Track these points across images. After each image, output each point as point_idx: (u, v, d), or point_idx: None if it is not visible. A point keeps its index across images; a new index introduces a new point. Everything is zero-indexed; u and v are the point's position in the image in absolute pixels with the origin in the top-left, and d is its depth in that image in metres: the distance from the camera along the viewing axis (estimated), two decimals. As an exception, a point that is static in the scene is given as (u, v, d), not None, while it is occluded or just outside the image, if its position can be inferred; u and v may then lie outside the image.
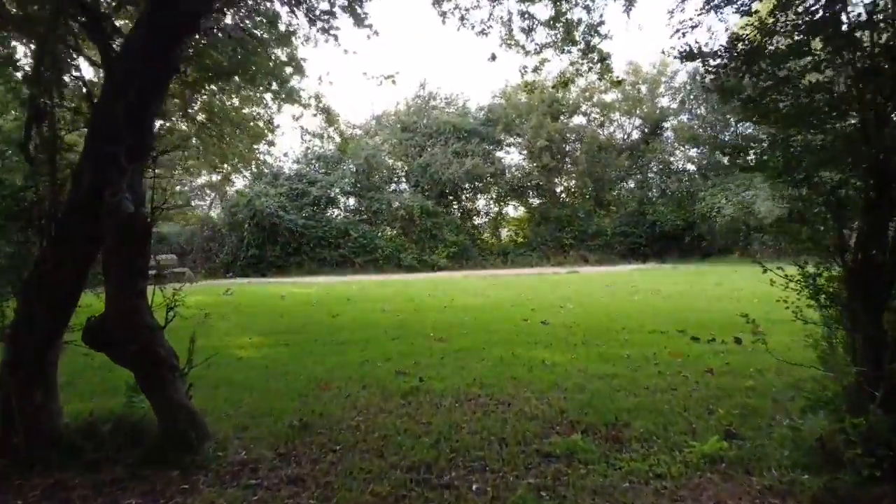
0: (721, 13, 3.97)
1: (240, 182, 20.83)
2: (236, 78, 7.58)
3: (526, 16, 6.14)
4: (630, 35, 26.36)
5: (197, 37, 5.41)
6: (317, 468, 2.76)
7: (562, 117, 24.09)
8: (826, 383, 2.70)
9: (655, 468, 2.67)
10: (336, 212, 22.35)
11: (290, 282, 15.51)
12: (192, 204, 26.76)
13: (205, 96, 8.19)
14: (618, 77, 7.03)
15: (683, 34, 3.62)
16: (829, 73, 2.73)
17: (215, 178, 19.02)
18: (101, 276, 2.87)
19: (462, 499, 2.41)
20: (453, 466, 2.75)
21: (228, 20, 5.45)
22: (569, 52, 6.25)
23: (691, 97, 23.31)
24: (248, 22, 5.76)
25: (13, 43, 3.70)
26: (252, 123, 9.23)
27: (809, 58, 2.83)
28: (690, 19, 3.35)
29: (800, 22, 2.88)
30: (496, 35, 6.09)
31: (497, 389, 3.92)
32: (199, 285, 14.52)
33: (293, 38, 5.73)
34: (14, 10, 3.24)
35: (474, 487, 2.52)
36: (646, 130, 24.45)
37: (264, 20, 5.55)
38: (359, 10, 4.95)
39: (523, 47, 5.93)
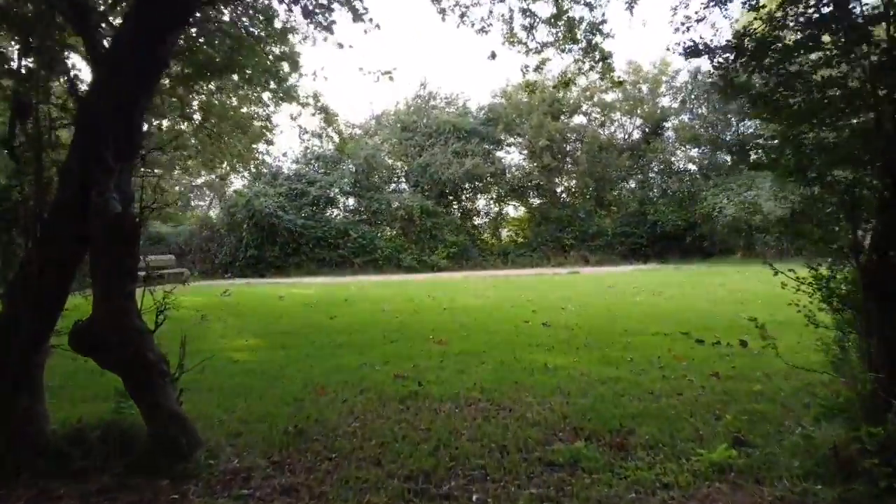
0: (726, 8, 3.88)
1: (238, 182, 20.80)
2: (234, 77, 7.53)
3: (527, 13, 6.05)
4: (631, 34, 26.21)
5: (193, 32, 5.36)
6: (311, 477, 2.66)
7: (562, 117, 23.99)
8: (839, 389, 2.61)
9: (662, 477, 2.57)
10: (335, 212, 22.25)
11: (289, 282, 15.42)
12: (192, 204, 26.72)
13: (202, 95, 8.12)
14: (619, 77, 6.95)
15: (688, 28, 3.55)
16: (843, 67, 2.63)
17: (214, 178, 18.97)
18: (89, 277, 2.79)
19: (462, 510, 2.32)
20: (453, 475, 2.66)
21: (226, 18, 5.38)
22: (570, 50, 6.17)
23: (692, 97, 23.19)
24: (244, 19, 5.68)
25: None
26: (251, 123, 9.17)
27: (821, 53, 2.74)
28: (696, 13, 3.27)
29: (810, 15, 2.79)
30: (497, 33, 6.02)
31: (498, 394, 3.83)
32: (198, 285, 14.44)
33: (290, 36, 5.66)
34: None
35: (474, 498, 2.43)
36: (647, 130, 24.35)
37: (260, 17, 5.48)
38: (356, 4, 4.86)
39: (525, 45, 5.84)
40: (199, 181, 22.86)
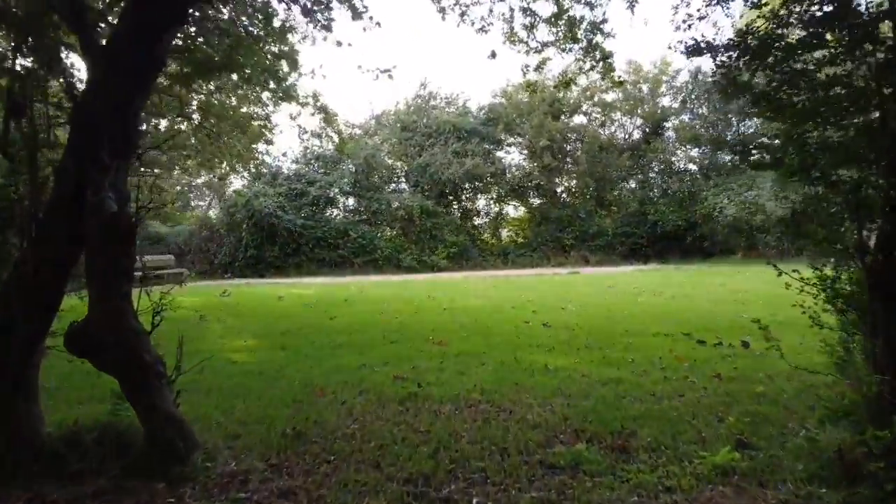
0: (728, 7, 3.85)
1: (238, 182, 20.77)
2: (234, 77, 7.50)
3: (528, 12, 6.02)
4: (631, 34, 26.22)
5: (193, 32, 5.32)
6: (309, 480, 2.63)
7: (563, 117, 23.96)
8: (844, 392, 2.58)
9: (665, 480, 2.54)
10: (335, 212, 22.20)
11: (289, 283, 15.39)
12: (192, 204, 26.69)
13: (202, 95, 8.09)
14: (620, 77, 6.92)
15: (689, 26, 3.52)
16: (848, 65, 2.60)
17: (213, 178, 18.95)
18: (84, 278, 2.76)
19: (462, 515, 2.29)
20: (453, 479, 2.62)
21: (225, 16, 5.34)
22: (571, 50, 6.14)
23: (693, 97, 23.18)
24: (243, 18, 5.65)
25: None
26: (250, 123, 9.13)
27: (825, 51, 2.71)
28: (698, 10, 3.23)
29: (813, 13, 2.76)
30: (497, 32, 6.00)
31: (498, 395, 3.79)
32: (197, 286, 14.41)
33: (289, 35, 5.62)
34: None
35: (475, 502, 2.40)
36: (647, 130, 24.30)
37: (259, 16, 5.44)
38: (356, 3, 4.83)
39: (526, 44, 5.81)
40: (199, 181, 22.81)
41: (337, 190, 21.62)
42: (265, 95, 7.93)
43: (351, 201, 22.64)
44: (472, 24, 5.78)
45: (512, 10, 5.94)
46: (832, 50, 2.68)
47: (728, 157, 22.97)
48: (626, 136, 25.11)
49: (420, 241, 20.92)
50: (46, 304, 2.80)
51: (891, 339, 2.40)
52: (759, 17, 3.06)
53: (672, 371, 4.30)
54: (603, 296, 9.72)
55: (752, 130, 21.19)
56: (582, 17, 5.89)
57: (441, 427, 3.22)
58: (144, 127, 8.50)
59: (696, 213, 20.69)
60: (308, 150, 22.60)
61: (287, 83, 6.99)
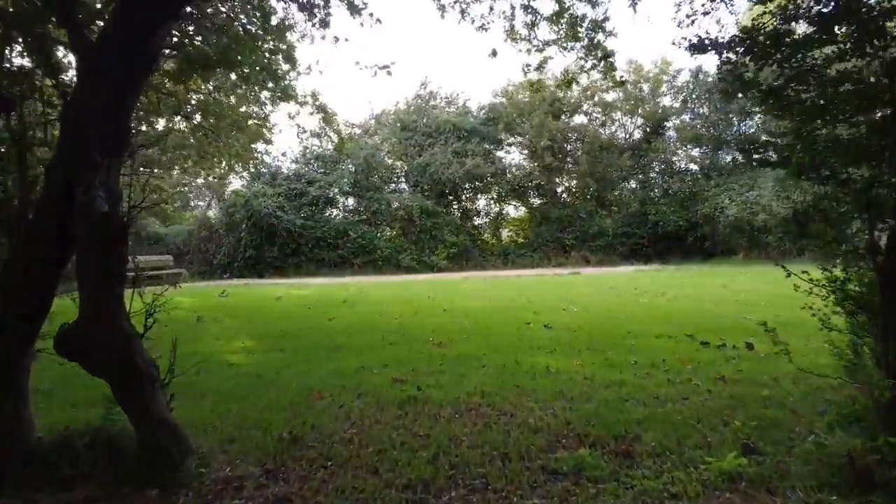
0: (732, 3, 3.79)
1: (237, 182, 20.70)
2: (233, 76, 7.43)
3: (529, 10, 5.96)
4: (631, 34, 26.16)
5: (190, 30, 5.26)
6: (306, 486, 2.57)
7: (563, 116, 23.88)
8: (854, 396, 2.51)
9: (670, 487, 2.48)
10: (335, 212, 22.12)
11: (288, 283, 15.32)
12: (192, 204, 26.62)
13: (200, 95, 8.03)
14: (622, 76, 6.86)
15: (693, 22, 3.45)
16: (858, 62, 2.54)
17: (212, 178, 18.86)
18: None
19: (462, 523, 2.22)
20: (453, 485, 2.56)
21: (223, 14, 5.28)
22: (572, 49, 6.09)
23: (693, 96, 23.11)
24: (242, 17, 5.59)
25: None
26: (249, 122, 9.07)
27: (834, 47, 2.65)
28: (703, 5, 3.17)
29: (819, 10, 2.70)
30: (497, 31, 5.96)
31: (499, 399, 3.72)
32: (195, 286, 14.34)
33: (287, 34, 5.56)
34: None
35: (475, 509, 2.34)
36: (648, 130, 24.21)
37: (257, 14, 5.38)
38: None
39: (528, 41, 5.75)
40: (199, 181, 22.72)
41: (336, 190, 21.53)
42: (264, 95, 7.88)
43: (350, 201, 22.57)
44: (473, 21, 5.72)
45: (513, 7, 5.89)
46: (841, 46, 2.62)
47: (729, 157, 22.92)
48: (627, 136, 25.03)
49: (420, 242, 20.83)
50: (37, 306, 2.73)
51: (903, 343, 2.33)
52: (765, 12, 3.00)
53: (675, 373, 4.24)
54: (604, 297, 9.65)
55: (752, 130, 21.13)
56: (584, 15, 5.84)
57: (441, 431, 3.15)
58: (145, 127, 8.47)
59: (698, 214, 20.62)
60: (307, 150, 22.54)
61: (285, 82, 6.93)
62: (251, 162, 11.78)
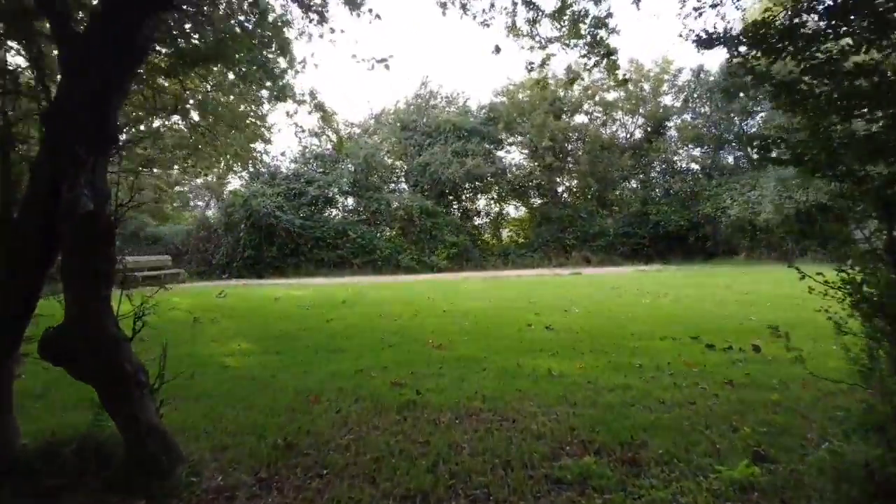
0: (738, -2, 3.69)
1: (236, 182, 20.58)
2: (230, 76, 7.32)
3: (531, 6, 5.86)
4: (632, 33, 26.05)
5: (187, 28, 5.16)
6: (300, 496, 2.47)
7: (564, 116, 23.77)
8: (872, 402, 2.41)
9: (680, 497, 2.38)
10: (334, 212, 22.00)
11: (287, 283, 15.22)
12: (191, 204, 26.51)
13: (199, 95, 7.92)
14: (625, 74, 6.76)
15: (701, 14, 3.35)
16: (875, 55, 2.43)
17: (210, 178, 18.77)
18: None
19: (463, 537, 2.13)
20: (453, 495, 2.46)
21: (221, 11, 5.18)
22: (575, 46, 5.99)
23: (695, 96, 23.01)
24: (240, 17, 5.48)
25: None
26: (247, 121, 8.97)
27: (850, 40, 2.54)
28: (711, -3, 3.07)
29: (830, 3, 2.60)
30: (498, 29, 5.86)
31: (500, 403, 3.62)
32: (194, 287, 14.25)
33: (285, 30, 5.45)
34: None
35: (476, 522, 2.24)
36: (649, 129, 24.11)
37: (255, 11, 5.27)
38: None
39: (530, 37, 5.65)
40: (199, 181, 22.59)
41: (336, 190, 21.42)
42: (263, 94, 7.77)
43: (350, 201, 22.46)
44: (475, 17, 5.61)
45: (514, 3, 5.79)
46: (855, 38, 2.51)
47: (731, 157, 22.81)
48: (628, 136, 24.92)
49: (420, 242, 20.72)
50: (21, 308, 2.63)
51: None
52: (775, 4, 2.90)
53: (681, 377, 4.14)
54: (606, 297, 9.55)
55: (754, 129, 21.03)
56: (586, 12, 5.74)
57: (440, 438, 3.05)
58: (143, 127, 8.36)
59: (699, 214, 20.52)
60: (307, 150, 22.43)
61: (283, 81, 6.82)
62: (250, 161, 11.68)
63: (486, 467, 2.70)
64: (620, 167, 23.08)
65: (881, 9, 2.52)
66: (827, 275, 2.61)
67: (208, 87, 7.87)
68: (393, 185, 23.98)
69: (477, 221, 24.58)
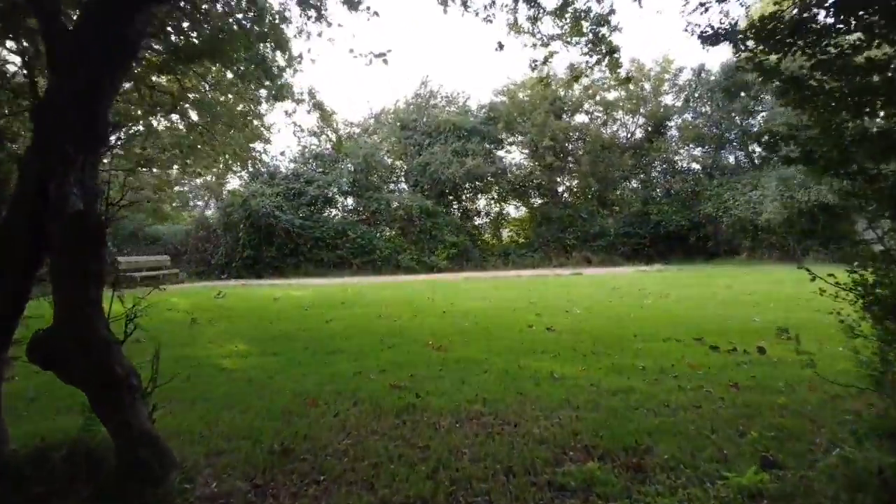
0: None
1: (235, 181, 20.48)
2: (229, 75, 7.26)
3: (532, 3, 5.80)
4: (633, 31, 25.95)
5: (185, 26, 5.09)
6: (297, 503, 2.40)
7: (564, 115, 23.68)
8: (886, 408, 2.34)
9: (687, 505, 2.31)
10: (334, 212, 21.90)
11: (286, 284, 15.15)
12: (191, 204, 26.41)
13: (197, 94, 7.85)
14: (629, 72, 6.70)
15: (707, 9, 3.28)
16: (888, 49, 2.37)
17: (209, 178, 18.67)
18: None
19: (463, 548, 2.06)
20: (453, 502, 2.39)
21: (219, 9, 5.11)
22: (577, 43, 5.93)
23: (695, 95, 22.92)
24: (238, 15, 5.42)
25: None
26: (246, 121, 8.90)
27: (861, 34, 2.47)
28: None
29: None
30: (501, 23, 5.80)
31: (502, 406, 3.55)
32: (192, 287, 14.18)
33: (283, 26, 5.38)
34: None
35: (478, 531, 2.17)
36: (649, 129, 24.01)
37: (252, 7, 5.20)
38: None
39: (532, 34, 5.59)
40: (198, 182, 22.49)
41: (335, 189, 21.34)
42: (261, 93, 7.71)
43: (350, 201, 22.37)
44: (477, 14, 5.56)
45: (516, 0, 5.72)
46: (867, 32, 2.45)
47: (732, 157, 22.72)
48: (629, 135, 24.82)
49: (420, 242, 20.63)
50: (10, 310, 2.56)
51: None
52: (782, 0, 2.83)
53: (685, 379, 4.07)
54: (608, 298, 9.47)
55: (755, 129, 20.94)
56: (588, 9, 5.68)
57: (440, 442, 2.98)
58: (141, 125, 8.29)
59: (700, 213, 20.43)
60: (306, 150, 22.34)
61: (282, 80, 6.76)
62: (249, 161, 11.60)
63: (488, 473, 2.63)
64: (621, 167, 22.99)
65: (893, 2, 2.45)
66: (836, 276, 2.55)
67: (206, 85, 7.80)
68: (393, 184, 23.89)
69: (477, 221, 24.48)
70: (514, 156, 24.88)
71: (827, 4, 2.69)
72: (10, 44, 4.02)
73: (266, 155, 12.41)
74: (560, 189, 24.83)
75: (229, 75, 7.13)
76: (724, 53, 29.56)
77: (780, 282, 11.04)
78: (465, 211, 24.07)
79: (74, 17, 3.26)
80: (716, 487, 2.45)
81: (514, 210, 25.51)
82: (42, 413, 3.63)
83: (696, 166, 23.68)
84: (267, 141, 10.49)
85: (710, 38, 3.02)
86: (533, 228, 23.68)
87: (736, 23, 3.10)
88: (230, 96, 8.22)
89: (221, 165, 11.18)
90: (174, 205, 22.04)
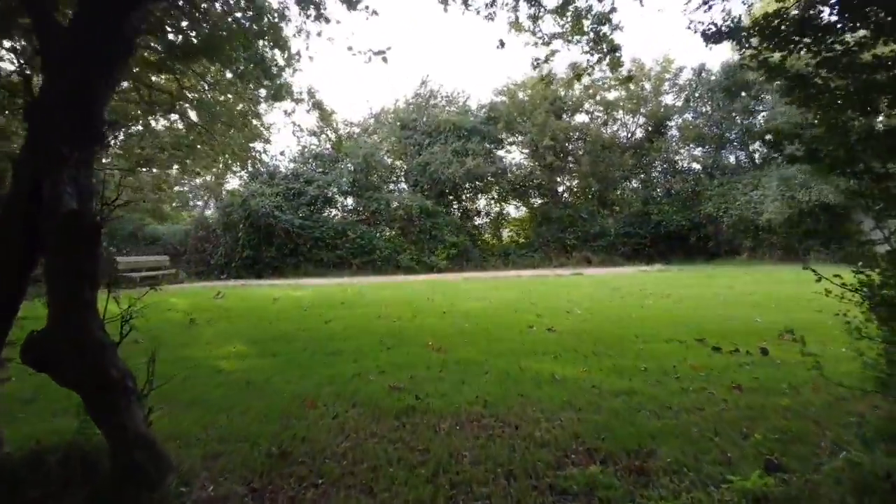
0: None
1: (235, 181, 20.44)
2: (228, 74, 7.22)
3: (532, 2, 5.77)
4: (633, 31, 25.92)
5: (185, 26, 5.06)
6: (294, 508, 2.37)
7: (565, 115, 23.63)
8: (892, 410, 2.31)
9: (691, 510, 2.27)
10: (333, 212, 21.84)
11: (286, 284, 15.11)
12: (190, 204, 26.38)
13: (196, 94, 7.82)
14: (630, 71, 6.67)
15: (711, 7, 3.25)
16: (894, 47, 2.33)
17: (209, 178, 18.64)
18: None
19: (464, 554, 2.02)
20: (453, 507, 2.36)
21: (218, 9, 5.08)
22: (578, 42, 5.90)
23: (696, 95, 22.88)
24: (237, 14, 5.39)
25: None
26: (245, 120, 8.86)
27: (867, 32, 2.44)
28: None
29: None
30: (502, 22, 5.78)
31: (502, 409, 3.52)
32: (191, 287, 14.13)
33: (282, 24, 5.35)
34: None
35: (478, 537, 2.13)
36: (650, 129, 23.97)
37: (250, 6, 5.17)
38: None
39: (532, 33, 5.57)
40: (198, 182, 22.45)
41: (335, 189, 21.28)
42: (260, 93, 7.67)
43: (349, 201, 22.31)
44: (478, 12, 5.53)
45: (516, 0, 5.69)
46: (873, 30, 2.41)
47: (732, 157, 22.67)
48: (629, 135, 24.78)
49: (419, 242, 20.59)
50: (4, 311, 2.53)
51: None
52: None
53: (688, 381, 4.03)
54: (609, 298, 9.43)
55: (756, 128, 20.89)
56: (589, 8, 5.65)
57: (440, 445, 2.95)
58: (140, 125, 8.26)
59: (700, 213, 20.38)
60: (305, 149, 22.29)
61: (281, 80, 6.72)
62: (248, 161, 11.57)
63: (488, 476, 2.60)
64: (621, 167, 22.95)
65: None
66: (841, 276, 2.51)
67: (205, 85, 7.77)
68: (392, 184, 23.83)
69: (477, 221, 24.43)
70: (514, 156, 24.86)
71: (831, 2, 2.66)
72: (5, 42, 4.02)
73: (265, 155, 12.37)
74: (560, 189, 24.79)
75: (228, 74, 7.10)
76: (724, 53, 29.49)
77: (781, 282, 11.00)
78: (465, 211, 24.02)
79: (66, 11, 3.23)
80: (720, 491, 2.42)
81: (514, 210, 25.48)
82: (38, 415, 3.59)
83: (696, 166, 23.63)
84: (266, 141, 10.46)
85: (714, 36, 2.98)
86: (533, 228, 23.63)
87: (739, 20, 3.07)
88: (229, 96, 8.20)
89: (221, 165, 11.16)
90: (173, 205, 22.04)
